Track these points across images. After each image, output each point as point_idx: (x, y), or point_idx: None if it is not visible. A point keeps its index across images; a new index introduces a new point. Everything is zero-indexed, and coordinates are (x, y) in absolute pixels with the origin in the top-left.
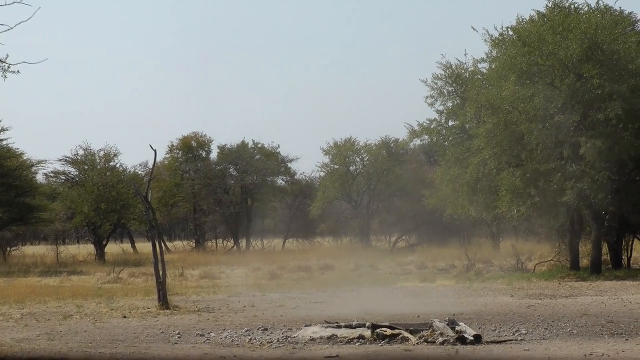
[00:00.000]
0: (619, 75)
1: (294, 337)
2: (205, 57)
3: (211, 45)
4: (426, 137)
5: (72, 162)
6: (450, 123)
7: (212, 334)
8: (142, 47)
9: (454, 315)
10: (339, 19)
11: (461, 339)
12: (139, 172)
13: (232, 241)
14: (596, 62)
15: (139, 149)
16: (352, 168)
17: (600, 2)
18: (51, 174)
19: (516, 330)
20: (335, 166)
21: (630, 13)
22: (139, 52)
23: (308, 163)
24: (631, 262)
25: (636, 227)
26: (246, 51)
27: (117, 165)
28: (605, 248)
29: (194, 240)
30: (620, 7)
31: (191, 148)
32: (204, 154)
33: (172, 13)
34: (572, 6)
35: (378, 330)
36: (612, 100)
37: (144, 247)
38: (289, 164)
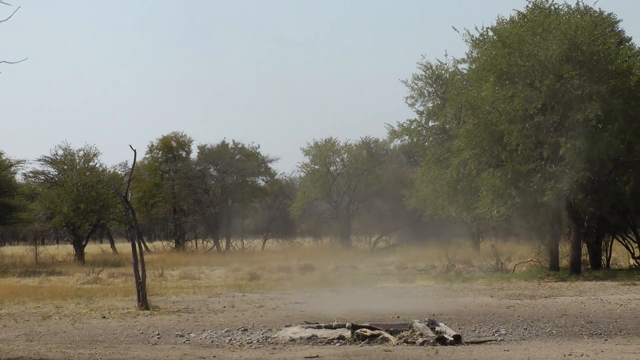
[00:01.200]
0: (598, 76)
1: (274, 337)
2: (186, 57)
3: (192, 45)
4: (406, 137)
5: (52, 162)
6: (431, 123)
7: (192, 335)
8: (122, 47)
9: (434, 315)
10: (319, 19)
11: (441, 340)
12: (119, 172)
13: (212, 241)
14: (576, 63)
15: (118, 149)
16: (332, 168)
17: (580, 3)
18: (30, 174)
19: (496, 331)
20: (316, 166)
21: (610, 14)
22: (120, 52)
23: (288, 163)
24: (610, 262)
25: (615, 228)
26: (226, 51)
27: (97, 166)
28: (584, 248)
29: (173, 241)
30: (600, 8)
31: (171, 148)
32: (184, 154)
33: (152, 12)
34: (552, 7)
35: (358, 330)
36: (591, 101)
37: (124, 247)
38: (269, 164)
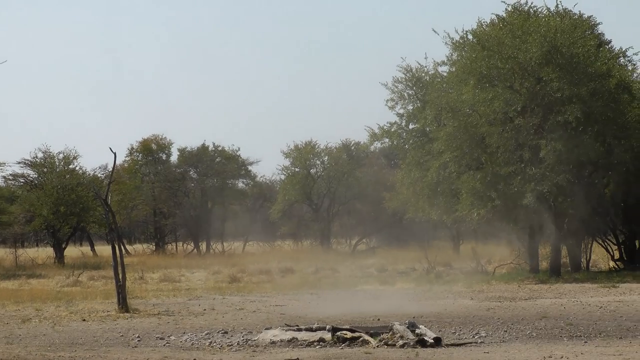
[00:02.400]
0: (578, 78)
1: (254, 340)
2: (167, 59)
3: (173, 47)
4: (387, 140)
5: (31, 164)
6: (411, 126)
7: (172, 337)
8: (102, 48)
9: (414, 318)
10: (299, 21)
11: (421, 342)
12: (99, 175)
13: (192, 244)
14: (555, 66)
15: (98, 151)
16: (312, 171)
17: (559, 5)
18: (10, 177)
19: (476, 333)
20: (296, 169)
21: (589, 17)
22: (100, 54)
23: (269, 166)
24: (590, 264)
25: (595, 230)
26: (207, 52)
27: (77, 168)
28: (564, 251)
29: (153, 244)
30: (579, 11)
31: (151, 151)
32: (164, 156)
33: (132, 13)
34: (532, 10)
35: (338, 333)
36: (571, 103)
37: (104, 250)
38: (250, 167)
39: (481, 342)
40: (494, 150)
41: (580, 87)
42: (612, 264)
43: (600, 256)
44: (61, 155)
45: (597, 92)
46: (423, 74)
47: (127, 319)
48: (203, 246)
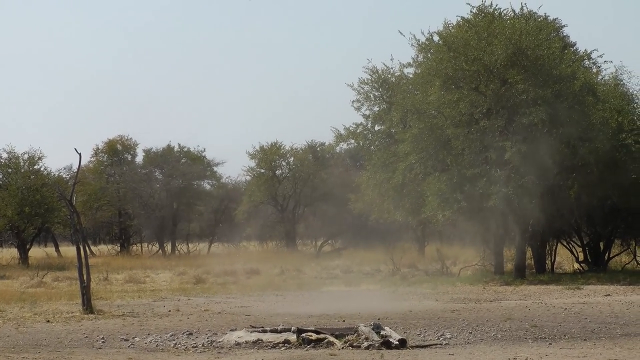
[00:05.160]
0: (543, 80)
1: (219, 341)
2: (131, 60)
3: (134, 48)
4: (352, 141)
5: None
6: (377, 127)
7: (137, 339)
8: (65, 49)
9: (379, 319)
10: (265, 22)
11: (386, 344)
12: (64, 176)
13: (157, 245)
14: (521, 68)
15: (63, 152)
16: (278, 172)
17: (524, 8)
18: None
19: (441, 335)
20: (261, 170)
21: (554, 19)
22: (64, 54)
23: (234, 167)
24: (555, 266)
25: (560, 232)
26: (172, 54)
27: (42, 169)
28: (529, 252)
29: (118, 244)
30: (544, 13)
31: (117, 151)
32: (129, 157)
33: (96, 14)
34: (497, 12)
35: (303, 334)
36: (536, 105)
37: (68, 251)
38: (215, 168)
39: (446, 344)
40: (459, 152)
41: (545, 89)
42: (576, 265)
43: (565, 258)
44: (26, 156)
45: (561, 95)
46: (389, 76)
47: (91, 320)
48: (168, 247)
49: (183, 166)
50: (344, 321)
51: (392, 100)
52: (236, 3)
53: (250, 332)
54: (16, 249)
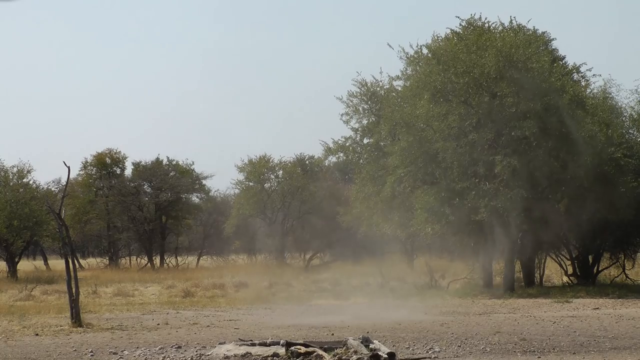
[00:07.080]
0: (532, 93)
1: (208, 355)
2: (120, 72)
3: (125, 60)
4: (341, 154)
5: None
6: (366, 141)
7: (126, 352)
8: (56, 61)
9: (368, 332)
10: (254, 33)
11: (375, 357)
12: (53, 189)
13: (146, 258)
14: (510, 81)
15: (52, 165)
16: (267, 185)
17: (513, 21)
18: None
19: (430, 348)
20: (250, 183)
21: (543, 32)
22: (53, 66)
23: (223, 180)
24: (544, 280)
25: (549, 245)
26: (160, 66)
27: (31, 182)
28: (518, 266)
29: (107, 258)
30: (534, 27)
31: (105, 165)
32: (118, 170)
33: (86, 25)
34: (486, 25)
35: (292, 348)
36: (526, 118)
37: (57, 264)
38: (204, 181)
39: (435, 357)
40: (448, 166)
41: (534, 103)
42: (565, 279)
43: (554, 271)
44: (15, 169)
45: (551, 108)
46: (378, 89)
47: (80, 333)
48: (157, 260)
49: (172, 179)
50: (332, 334)
51: (381, 113)
52: (226, 17)
53: (239, 345)
54: (5, 262)
